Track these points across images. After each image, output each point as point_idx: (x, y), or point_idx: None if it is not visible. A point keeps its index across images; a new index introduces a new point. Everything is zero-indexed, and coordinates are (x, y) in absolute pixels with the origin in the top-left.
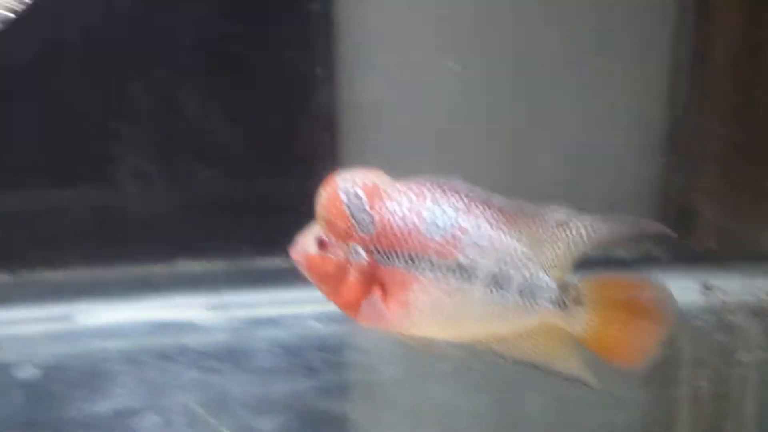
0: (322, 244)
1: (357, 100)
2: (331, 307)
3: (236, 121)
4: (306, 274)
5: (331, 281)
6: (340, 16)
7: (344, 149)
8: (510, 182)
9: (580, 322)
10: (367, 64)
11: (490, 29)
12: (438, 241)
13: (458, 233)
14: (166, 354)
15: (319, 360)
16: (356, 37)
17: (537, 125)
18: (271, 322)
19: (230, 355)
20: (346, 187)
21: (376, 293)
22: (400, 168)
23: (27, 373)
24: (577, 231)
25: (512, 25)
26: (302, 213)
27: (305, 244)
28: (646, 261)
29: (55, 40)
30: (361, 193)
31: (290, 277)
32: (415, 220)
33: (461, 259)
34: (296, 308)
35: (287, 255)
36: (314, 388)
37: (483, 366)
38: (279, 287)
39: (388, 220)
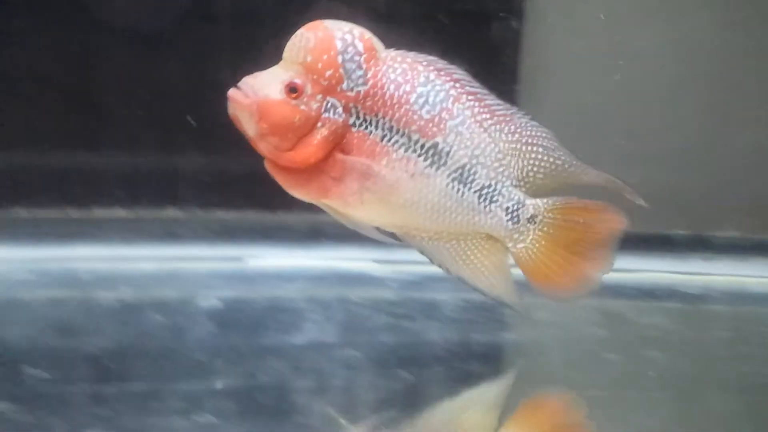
0: (295, 89)
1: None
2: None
3: None
4: (249, 121)
5: (290, 134)
6: None
7: None
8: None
9: (526, 241)
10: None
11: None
12: (424, 118)
13: (445, 115)
14: (348, 299)
15: (511, 316)
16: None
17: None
18: (449, 280)
19: (416, 305)
20: (343, 36)
21: (340, 156)
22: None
23: (211, 304)
24: (557, 160)
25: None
26: None
27: (261, 87)
28: None
29: None
30: (359, 45)
31: None
32: (408, 89)
33: (440, 141)
34: None
35: None
36: (513, 341)
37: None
38: None
39: (381, 81)
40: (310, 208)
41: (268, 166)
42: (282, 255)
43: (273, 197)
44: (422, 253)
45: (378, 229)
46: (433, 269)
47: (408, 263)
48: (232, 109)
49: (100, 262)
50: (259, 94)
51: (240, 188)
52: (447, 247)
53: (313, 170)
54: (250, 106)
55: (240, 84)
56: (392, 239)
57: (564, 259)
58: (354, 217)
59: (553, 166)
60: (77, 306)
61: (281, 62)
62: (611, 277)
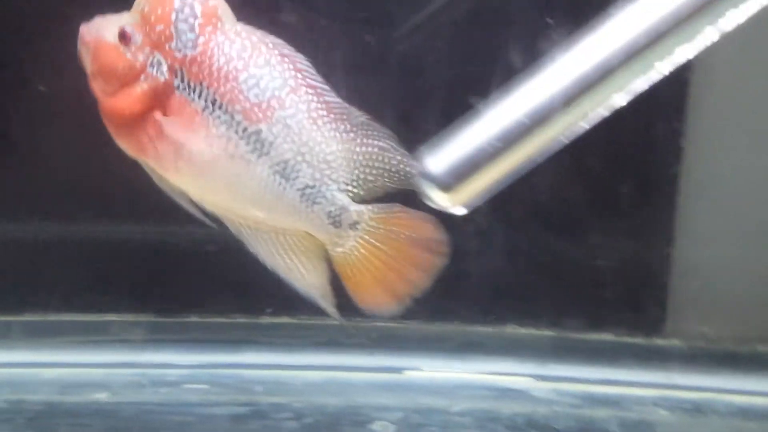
0: (123, 36)
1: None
2: (676, 394)
3: (579, 185)
4: (87, 58)
5: (114, 79)
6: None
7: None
8: None
9: (345, 246)
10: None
11: None
12: (251, 101)
13: (274, 103)
14: (515, 425)
15: None
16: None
17: None
18: (611, 401)
19: None
20: None
21: (157, 117)
22: None
23: (383, 429)
24: (392, 161)
25: None
26: (634, 289)
27: (103, 27)
28: None
29: None
30: (197, 8)
31: (621, 356)
32: (239, 66)
33: (263, 129)
34: (633, 390)
35: (613, 331)
36: None
37: None
38: (610, 365)
39: (212, 51)
40: (468, 319)
41: (100, 110)
42: (439, 367)
43: (431, 308)
44: (239, 237)
45: (199, 207)
46: (589, 388)
47: (565, 381)
48: (78, 44)
49: (268, 369)
50: (98, 33)
51: None
52: (266, 237)
53: (135, 124)
54: (87, 44)
55: (91, 21)
56: (210, 219)
57: (379, 270)
58: (172, 185)
59: (386, 168)
60: (259, 427)
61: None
62: None
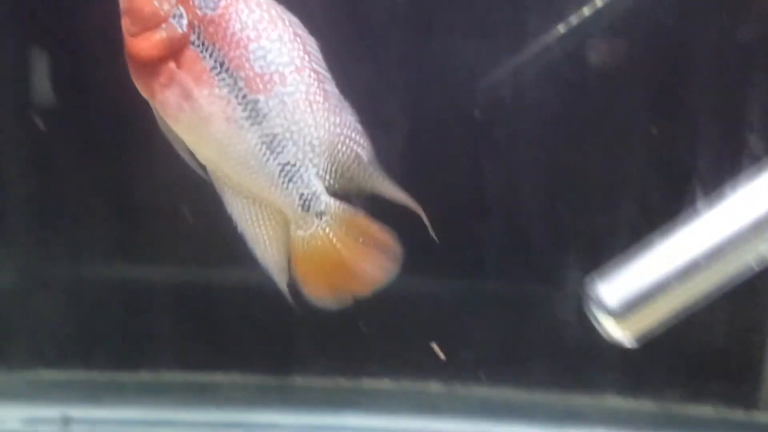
0: None
1: None
2: None
3: None
4: None
5: (139, 21)
6: None
7: None
8: None
9: (306, 232)
10: None
11: None
12: (255, 70)
13: (276, 78)
14: None
15: None
16: None
17: None
18: None
19: None
20: None
21: (171, 65)
22: None
23: None
24: (367, 167)
25: None
26: (733, 362)
27: None
28: None
29: None
30: None
31: (720, 429)
32: (252, 36)
33: (261, 100)
34: None
35: (712, 404)
36: None
37: None
38: None
39: (231, 15)
40: (567, 388)
41: (125, 48)
42: None
43: (526, 375)
44: (221, 196)
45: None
46: None
47: None
48: None
49: None
50: None
51: (499, 366)
52: (243, 202)
53: (150, 68)
54: None
55: None
56: (202, 172)
57: (330, 265)
58: (173, 133)
59: (360, 172)
60: None
61: None
62: None
